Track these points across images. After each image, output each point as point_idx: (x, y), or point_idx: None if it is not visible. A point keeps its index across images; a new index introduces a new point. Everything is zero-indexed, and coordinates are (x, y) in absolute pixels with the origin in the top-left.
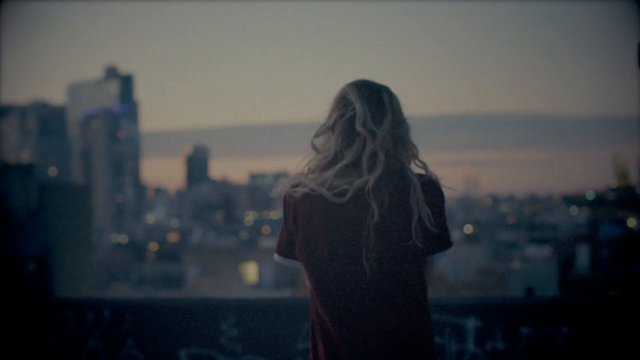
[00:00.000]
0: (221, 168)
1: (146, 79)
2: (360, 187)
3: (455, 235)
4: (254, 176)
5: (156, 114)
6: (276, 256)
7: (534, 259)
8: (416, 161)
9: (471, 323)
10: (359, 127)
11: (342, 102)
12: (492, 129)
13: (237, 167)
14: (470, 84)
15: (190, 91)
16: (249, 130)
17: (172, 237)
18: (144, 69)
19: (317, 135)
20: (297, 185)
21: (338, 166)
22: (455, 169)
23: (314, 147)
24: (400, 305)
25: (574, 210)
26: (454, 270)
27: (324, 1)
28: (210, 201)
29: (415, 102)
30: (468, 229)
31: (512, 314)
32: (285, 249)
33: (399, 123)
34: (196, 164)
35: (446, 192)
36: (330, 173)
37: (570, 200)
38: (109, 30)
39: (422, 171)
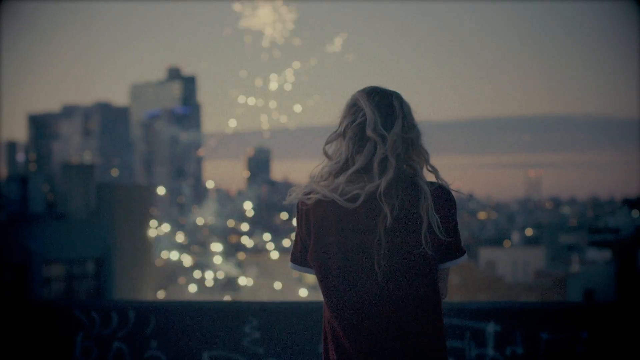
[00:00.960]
0: (283, 169)
1: (209, 81)
2: (371, 192)
3: (515, 237)
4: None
5: (218, 115)
6: (291, 264)
7: (594, 262)
8: (428, 167)
9: (491, 327)
10: (369, 132)
11: (353, 108)
12: (555, 131)
13: (299, 168)
14: (533, 84)
15: (249, 93)
16: (309, 132)
17: (233, 239)
18: (206, 70)
19: (328, 142)
20: (309, 193)
21: (349, 171)
22: (517, 171)
23: (326, 154)
24: (410, 309)
25: (635, 213)
26: (512, 273)
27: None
28: (272, 203)
29: (476, 104)
30: (528, 231)
31: (532, 319)
32: (300, 256)
33: (410, 128)
34: (257, 166)
35: (506, 196)
36: (342, 179)
37: (632, 203)
38: (171, 31)
39: (433, 177)
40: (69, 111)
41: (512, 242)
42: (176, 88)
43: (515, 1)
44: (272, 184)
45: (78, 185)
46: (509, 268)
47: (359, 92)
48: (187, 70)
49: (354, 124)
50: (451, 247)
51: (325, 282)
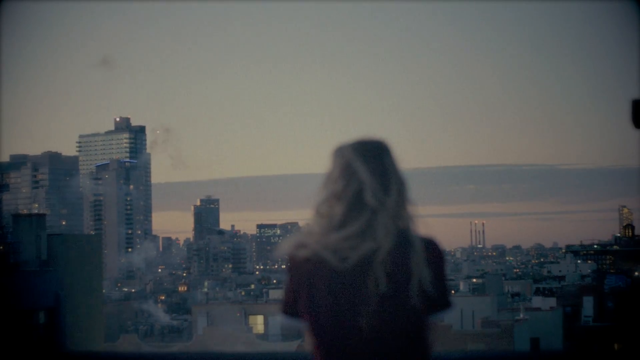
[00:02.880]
0: (230, 219)
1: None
2: (366, 254)
3: (461, 286)
4: (262, 227)
5: (166, 165)
6: (281, 315)
7: (540, 309)
8: (415, 218)
9: None
10: (369, 200)
11: (347, 170)
12: (498, 181)
13: (246, 218)
14: (476, 136)
15: (200, 143)
16: (257, 182)
17: (182, 288)
18: (154, 121)
19: (322, 202)
20: (301, 246)
21: (346, 233)
22: (461, 220)
23: (319, 213)
24: None
25: (579, 261)
26: (459, 321)
27: (329, 58)
28: (219, 252)
29: (422, 155)
30: (474, 280)
31: None
32: (290, 308)
33: (402, 184)
34: (205, 215)
35: (452, 245)
36: (335, 237)
37: (576, 251)
38: (119, 82)
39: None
40: (17, 161)
41: (458, 291)
42: (125, 138)
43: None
44: (221, 233)
45: (29, 236)
46: (456, 316)
47: (350, 149)
48: (135, 121)
49: (350, 189)
50: (439, 300)
51: (315, 335)
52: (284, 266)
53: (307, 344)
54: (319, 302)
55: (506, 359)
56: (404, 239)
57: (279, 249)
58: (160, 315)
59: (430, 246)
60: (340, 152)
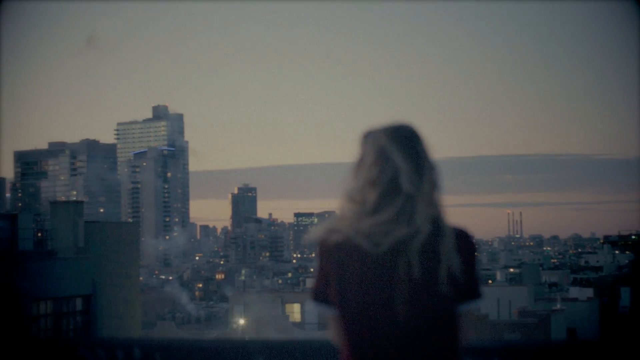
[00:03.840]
0: (267, 208)
1: (195, 120)
2: (400, 240)
3: (498, 275)
4: (299, 215)
5: (204, 153)
6: (311, 301)
7: (577, 300)
8: (445, 206)
9: None
10: (405, 186)
11: (381, 156)
12: (537, 171)
13: (283, 206)
14: (516, 125)
15: (238, 131)
16: (294, 170)
17: (219, 276)
18: (192, 109)
19: (355, 188)
20: (332, 231)
21: (380, 218)
22: (499, 210)
23: (351, 199)
24: (428, 350)
25: (617, 252)
26: (496, 311)
27: (368, 47)
28: (256, 240)
29: (460, 144)
30: (511, 270)
31: (535, 357)
32: (320, 294)
33: (433, 171)
34: (243, 204)
35: (489, 235)
36: (369, 222)
37: (614, 241)
38: (158, 71)
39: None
40: (55, 149)
41: (495, 281)
42: (163, 126)
43: (506, 21)
44: (258, 221)
45: (66, 223)
46: (492, 306)
47: (383, 135)
48: (174, 108)
49: (386, 176)
50: (469, 289)
51: (345, 322)
52: (314, 252)
53: (332, 331)
54: (350, 288)
55: (541, 347)
56: (436, 226)
57: (309, 235)
58: (197, 302)
59: (462, 235)
60: (373, 138)
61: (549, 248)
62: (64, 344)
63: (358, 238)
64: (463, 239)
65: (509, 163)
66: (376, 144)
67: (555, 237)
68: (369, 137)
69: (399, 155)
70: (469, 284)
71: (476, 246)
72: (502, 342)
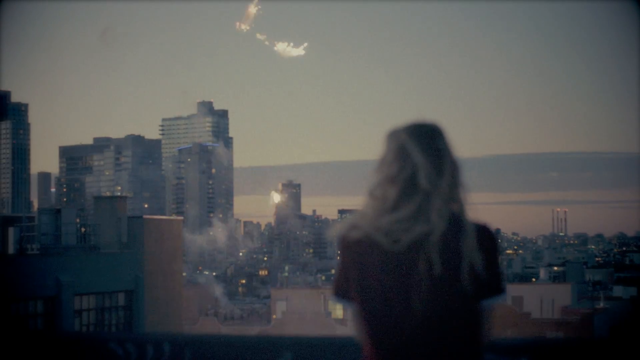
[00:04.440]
0: (312, 204)
1: (239, 116)
2: (419, 237)
3: (541, 273)
4: (343, 212)
5: (249, 149)
6: (333, 297)
7: (621, 298)
8: (468, 203)
9: None
10: (423, 183)
11: (401, 153)
12: (582, 169)
13: (328, 203)
14: (562, 122)
15: (282, 127)
16: (338, 167)
17: (262, 273)
18: (237, 105)
19: (375, 185)
20: (353, 228)
21: (398, 215)
22: (543, 207)
23: (372, 196)
24: (449, 346)
25: None
26: (539, 309)
27: (410, 44)
28: (300, 237)
29: (505, 141)
30: (555, 268)
31: (564, 355)
32: (341, 289)
33: (455, 166)
34: (287, 200)
35: (533, 233)
36: (388, 219)
37: None
38: (203, 67)
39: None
40: (100, 144)
41: (538, 279)
42: (207, 122)
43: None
44: (303, 217)
45: (110, 218)
46: (535, 304)
47: (404, 132)
48: (218, 104)
49: (404, 171)
50: (491, 285)
51: (365, 318)
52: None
53: (354, 327)
54: (369, 284)
55: (568, 345)
56: (456, 222)
57: (331, 231)
58: (240, 299)
59: (483, 231)
60: (394, 135)
61: (593, 246)
62: (95, 338)
63: (377, 235)
64: (484, 234)
65: (554, 161)
66: (397, 142)
67: (599, 236)
68: (392, 135)
69: (418, 152)
70: (491, 280)
71: (498, 242)
72: (529, 339)
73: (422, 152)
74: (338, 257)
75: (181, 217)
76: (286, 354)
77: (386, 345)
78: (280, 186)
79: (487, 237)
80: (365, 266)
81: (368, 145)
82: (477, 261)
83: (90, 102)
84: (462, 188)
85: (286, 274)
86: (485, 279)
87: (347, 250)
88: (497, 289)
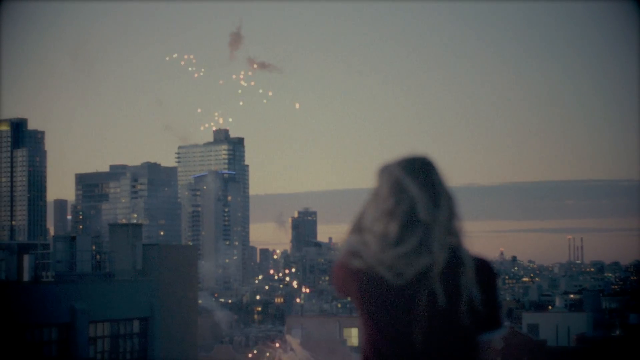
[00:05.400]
0: (327, 232)
1: (255, 144)
2: (421, 270)
3: (557, 301)
4: None
5: (265, 177)
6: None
7: (638, 326)
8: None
9: None
10: (423, 216)
11: (397, 187)
12: (599, 197)
13: (343, 230)
14: (577, 150)
15: (298, 155)
16: (354, 194)
17: (278, 300)
18: (252, 133)
19: (374, 219)
20: (354, 255)
21: (402, 249)
22: (559, 235)
23: (371, 232)
24: None
25: None
26: (554, 337)
27: (425, 70)
28: (316, 264)
29: (521, 169)
30: (571, 295)
31: None
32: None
33: (450, 200)
34: (303, 227)
35: (550, 260)
36: (392, 254)
37: None
38: (217, 95)
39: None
40: (116, 171)
41: (554, 306)
42: (223, 150)
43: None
44: (318, 245)
45: (125, 245)
46: (551, 332)
47: (397, 167)
48: (234, 133)
49: (403, 207)
50: (489, 319)
51: (367, 351)
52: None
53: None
54: (371, 316)
55: None
56: (455, 255)
57: (333, 256)
58: (256, 326)
59: (482, 265)
60: (388, 170)
61: (610, 274)
62: None
63: (380, 268)
64: (483, 268)
65: (570, 189)
66: (392, 176)
67: (616, 263)
68: (385, 170)
69: (414, 186)
70: (489, 315)
71: (497, 276)
72: None
73: (419, 185)
74: (335, 282)
75: (197, 245)
76: None
77: None
78: (296, 213)
79: (486, 271)
80: (364, 297)
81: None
82: (476, 296)
83: (107, 129)
84: (458, 220)
85: (302, 301)
86: (484, 313)
87: (344, 277)
88: (495, 324)
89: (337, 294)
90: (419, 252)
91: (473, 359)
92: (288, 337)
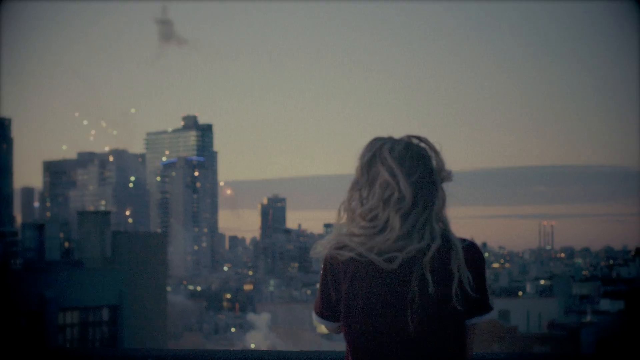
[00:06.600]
0: (297, 218)
1: (223, 130)
2: (412, 255)
3: (528, 287)
4: (328, 226)
5: (233, 164)
6: (314, 315)
7: (608, 312)
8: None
9: None
10: (414, 202)
11: (387, 172)
12: (569, 183)
13: (313, 217)
14: (547, 135)
15: (267, 141)
16: (323, 181)
17: (247, 287)
18: (221, 119)
19: (368, 208)
20: (341, 248)
21: (392, 234)
22: (530, 221)
23: (362, 217)
24: None
25: None
26: (525, 323)
27: (400, 57)
28: (285, 251)
29: (491, 155)
30: (542, 282)
31: None
32: (323, 310)
33: (441, 187)
34: (272, 214)
35: (520, 247)
36: (380, 239)
37: None
38: (187, 81)
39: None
40: (84, 158)
41: (525, 293)
42: (192, 136)
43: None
44: (287, 232)
45: (94, 233)
46: (522, 318)
47: (387, 151)
48: (203, 119)
49: (395, 194)
50: (479, 303)
51: (353, 338)
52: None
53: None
54: (360, 304)
55: None
56: (445, 241)
57: (316, 249)
58: (225, 313)
59: (470, 249)
60: (381, 155)
61: (580, 260)
62: (84, 354)
63: (371, 254)
64: (472, 252)
65: (541, 174)
66: (381, 160)
67: (586, 249)
68: (378, 152)
69: (401, 174)
70: (479, 298)
71: (484, 259)
72: (514, 354)
73: (411, 171)
74: (322, 278)
75: (165, 232)
76: None
77: None
78: (265, 200)
79: (474, 255)
80: (356, 286)
81: (353, 159)
82: (467, 279)
83: (75, 116)
84: (445, 206)
85: (271, 288)
86: (474, 297)
87: (335, 270)
88: (485, 307)
89: (319, 306)
90: (411, 237)
91: (462, 342)
92: (252, 316)
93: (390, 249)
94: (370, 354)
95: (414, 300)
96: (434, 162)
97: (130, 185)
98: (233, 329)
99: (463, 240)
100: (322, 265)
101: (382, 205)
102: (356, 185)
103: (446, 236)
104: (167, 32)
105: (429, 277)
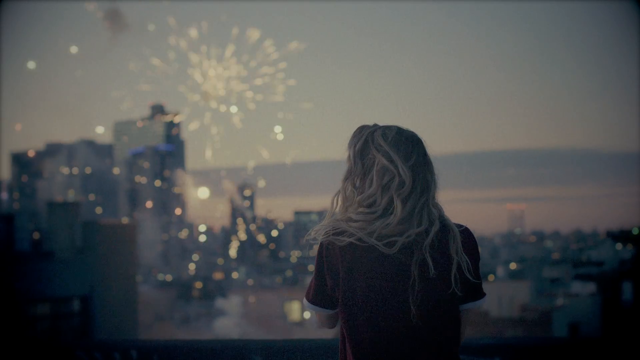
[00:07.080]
0: (266, 206)
1: (191, 118)
2: (411, 239)
3: (499, 271)
4: (298, 214)
5: (202, 152)
6: (305, 302)
7: (579, 295)
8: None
9: None
10: (412, 187)
11: (387, 159)
12: (538, 165)
13: (282, 205)
14: (516, 118)
15: (237, 130)
16: (293, 168)
17: (218, 275)
18: (189, 108)
19: (367, 195)
20: (339, 233)
21: (391, 221)
22: (500, 205)
23: (360, 203)
24: (434, 350)
25: (619, 246)
26: (497, 307)
27: (365, 43)
28: (255, 239)
29: (459, 138)
30: (512, 265)
31: (536, 354)
32: (315, 296)
33: (434, 172)
34: (241, 202)
35: (490, 230)
36: (379, 224)
37: (616, 236)
38: (152, 69)
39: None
40: (52, 149)
41: (496, 277)
42: (160, 125)
43: (504, 16)
44: (257, 219)
45: (63, 224)
46: (494, 302)
47: (380, 137)
48: (171, 107)
49: (393, 182)
50: (476, 288)
51: (353, 327)
52: (316, 253)
53: (320, 327)
54: (361, 289)
55: (541, 345)
56: (443, 225)
57: (311, 235)
58: (196, 302)
59: (466, 234)
60: (374, 141)
61: (550, 243)
62: (60, 346)
63: (371, 239)
64: (467, 237)
65: (510, 157)
66: (382, 147)
67: (556, 233)
68: (370, 139)
69: (402, 165)
70: (476, 284)
71: (478, 245)
72: (502, 339)
73: (407, 158)
74: (317, 264)
75: (135, 222)
76: (256, 357)
77: (371, 350)
78: (235, 188)
79: (469, 240)
80: (355, 271)
81: (324, 146)
82: (465, 264)
83: (42, 106)
84: (438, 192)
85: (243, 276)
86: (472, 282)
87: (333, 256)
88: (480, 293)
89: (312, 292)
90: (410, 222)
91: (457, 327)
92: (222, 302)
93: (390, 234)
94: (370, 338)
95: (415, 285)
96: (424, 148)
97: (99, 175)
98: (203, 316)
99: (459, 226)
100: (318, 251)
101: (381, 191)
102: (350, 174)
103: (443, 220)
104: (116, 19)
105: (429, 260)
